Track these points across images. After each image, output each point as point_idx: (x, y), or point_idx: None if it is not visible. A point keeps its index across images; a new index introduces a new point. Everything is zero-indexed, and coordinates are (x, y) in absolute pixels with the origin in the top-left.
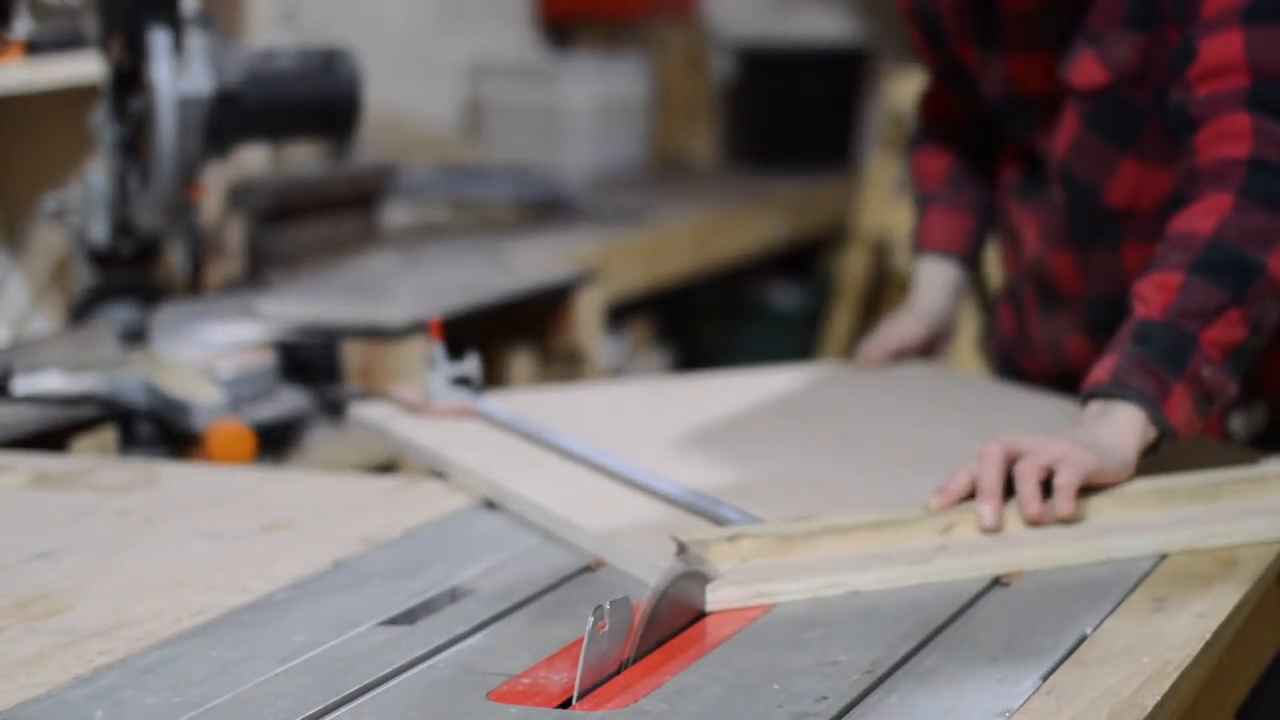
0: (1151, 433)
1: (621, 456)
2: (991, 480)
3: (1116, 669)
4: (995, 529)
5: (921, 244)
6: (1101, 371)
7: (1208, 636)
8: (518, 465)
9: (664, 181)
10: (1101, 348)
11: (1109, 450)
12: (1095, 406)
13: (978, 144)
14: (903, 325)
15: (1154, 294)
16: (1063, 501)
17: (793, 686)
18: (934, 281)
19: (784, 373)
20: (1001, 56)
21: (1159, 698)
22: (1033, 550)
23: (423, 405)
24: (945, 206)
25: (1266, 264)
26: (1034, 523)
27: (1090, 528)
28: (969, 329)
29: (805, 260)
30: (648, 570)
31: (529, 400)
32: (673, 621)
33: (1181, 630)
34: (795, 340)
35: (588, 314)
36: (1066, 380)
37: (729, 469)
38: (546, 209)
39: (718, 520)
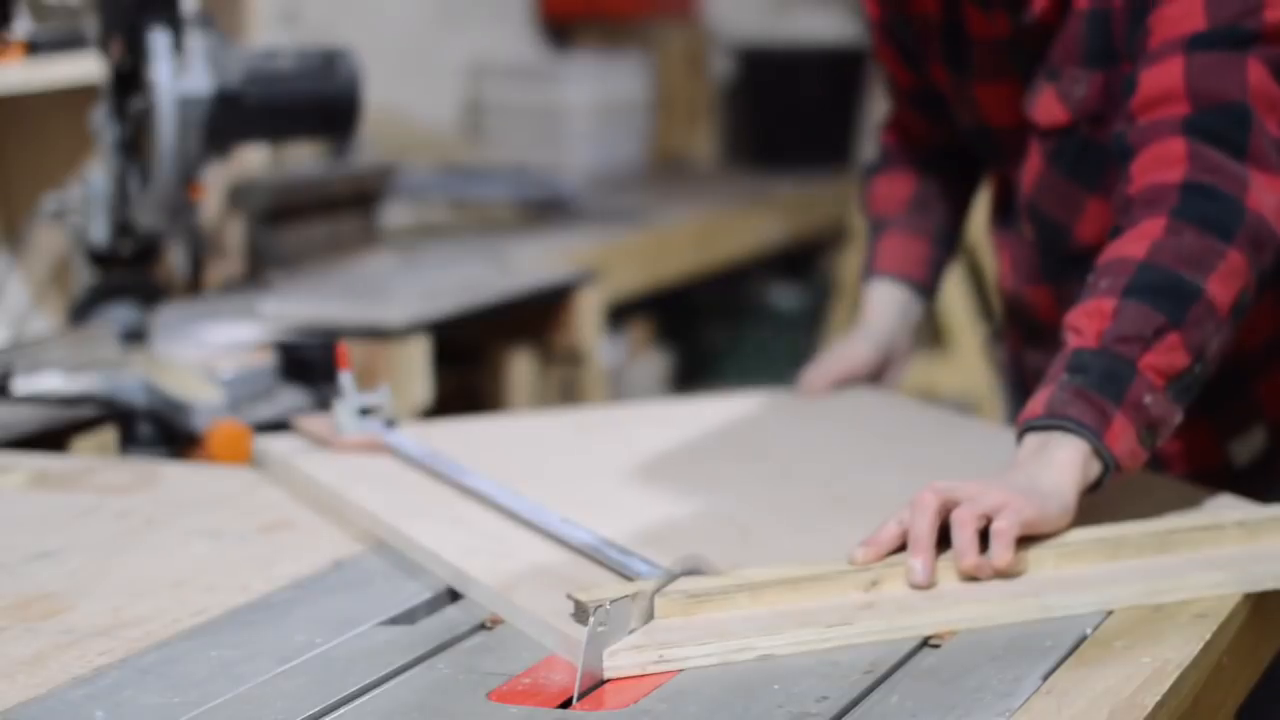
0: (1094, 468)
1: (536, 497)
2: (924, 531)
3: (1116, 669)
4: (926, 585)
5: (874, 267)
6: (1036, 405)
7: (1208, 636)
8: (419, 506)
9: (664, 181)
10: None
11: (1049, 495)
12: (1031, 442)
13: (947, 169)
14: (851, 350)
15: (1086, 322)
16: (1000, 549)
17: (793, 686)
18: (885, 305)
19: (724, 403)
20: (970, 83)
21: (1159, 698)
22: (966, 609)
23: (331, 438)
24: (903, 232)
25: (1204, 287)
26: (970, 576)
27: (1029, 583)
28: (974, 333)
29: (805, 260)
30: (544, 631)
31: (447, 432)
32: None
33: (1181, 630)
34: (795, 340)
35: (588, 314)
36: None
37: (649, 512)
38: (546, 209)
39: (625, 572)
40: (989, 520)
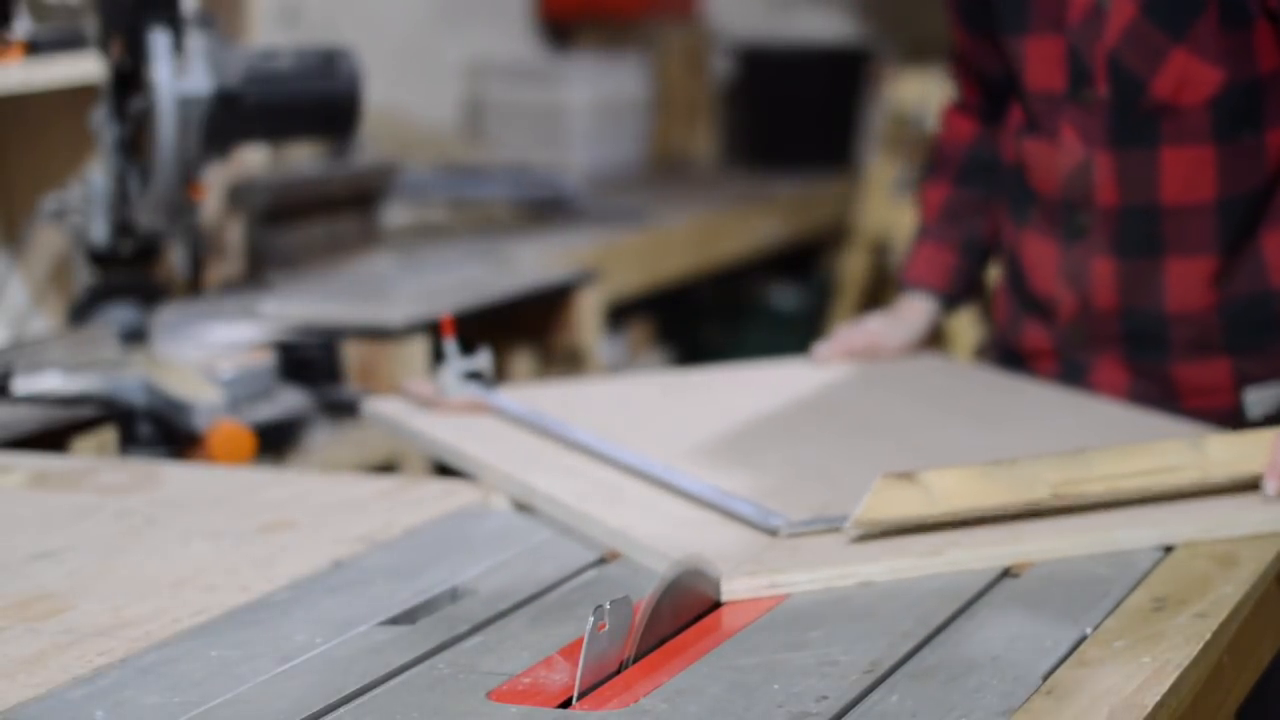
0: None
1: (633, 450)
2: None
3: (1116, 669)
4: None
5: (905, 277)
6: None
7: (1208, 636)
8: (532, 459)
9: (664, 181)
10: (1125, 269)
11: None
12: None
13: (983, 175)
14: (890, 331)
15: None
16: None
17: (793, 686)
18: (913, 310)
19: (793, 366)
20: None
21: (1159, 698)
22: (1041, 542)
23: (436, 400)
24: (933, 242)
25: None
26: None
27: (1097, 521)
28: (968, 339)
29: (805, 260)
30: (662, 562)
31: (540, 394)
32: (676, 618)
33: (1181, 630)
34: (795, 340)
35: (588, 314)
36: (1089, 317)
37: (740, 462)
38: (546, 209)
39: (731, 514)
40: None
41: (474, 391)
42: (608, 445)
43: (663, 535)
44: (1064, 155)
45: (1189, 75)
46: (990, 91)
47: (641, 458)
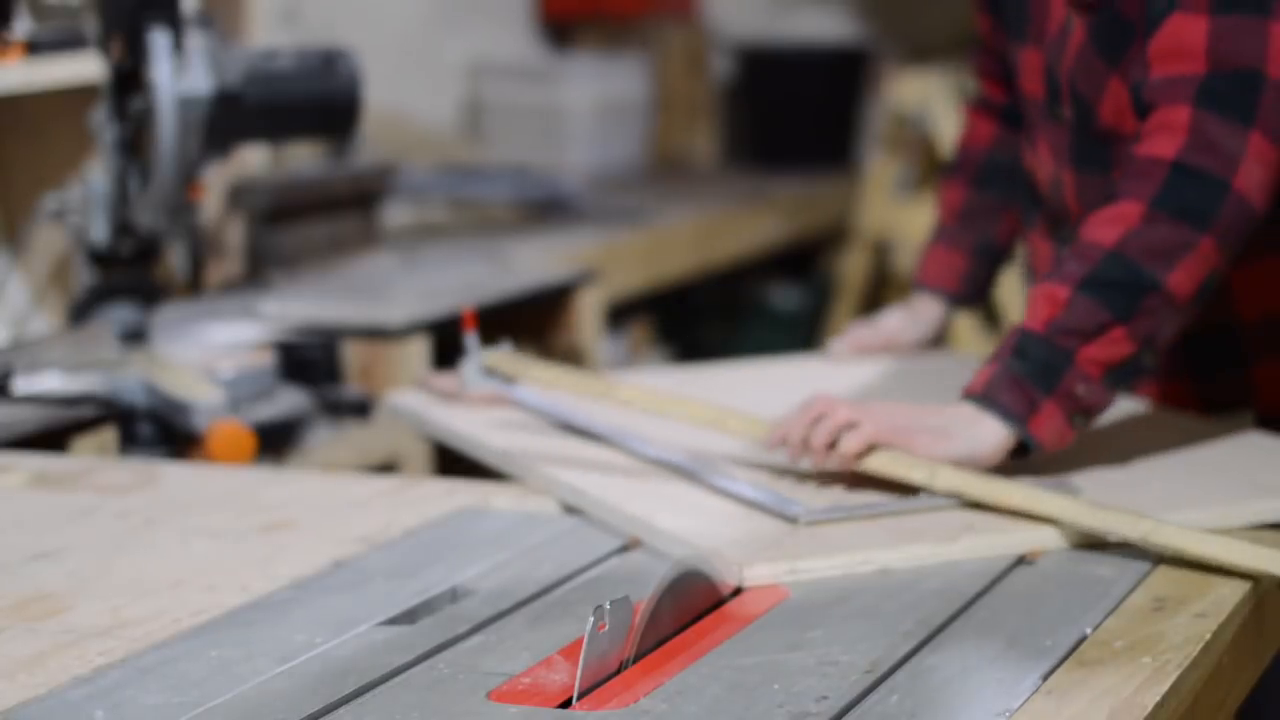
0: (1013, 443)
1: (653, 441)
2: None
3: (1116, 669)
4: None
5: (916, 277)
6: (979, 380)
7: (1207, 636)
8: (554, 450)
9: (664, 181)
10: None
11: (954, 437)
12: (966, 410)
13: (999, 179)
14: (907, 331)
15: (1041, 305)
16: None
17: (793, 686)
18: (927, 308)
19: (809, 362)
20: None
21: (1159, 698)
22: (1054, 531)
23: (458, 393)
24: (945, 244)
25: (1164, 281)
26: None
27: (1110, 509)
28: (968, 341)
29: (805, 260)
30: (683, 549)
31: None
32: (677, 618)
33: (1181, 630)
34: (795, 340)
35: (588, 314)
36: None
37: (758, 453)
38: (546, 209)
39: (750, 503)
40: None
41: (495, 385)
42: (628, 436)
43: (683, 523)
44: (1041, 167)
45: (1124, 104)
46: (1012, 86)
47: (661, 448)
